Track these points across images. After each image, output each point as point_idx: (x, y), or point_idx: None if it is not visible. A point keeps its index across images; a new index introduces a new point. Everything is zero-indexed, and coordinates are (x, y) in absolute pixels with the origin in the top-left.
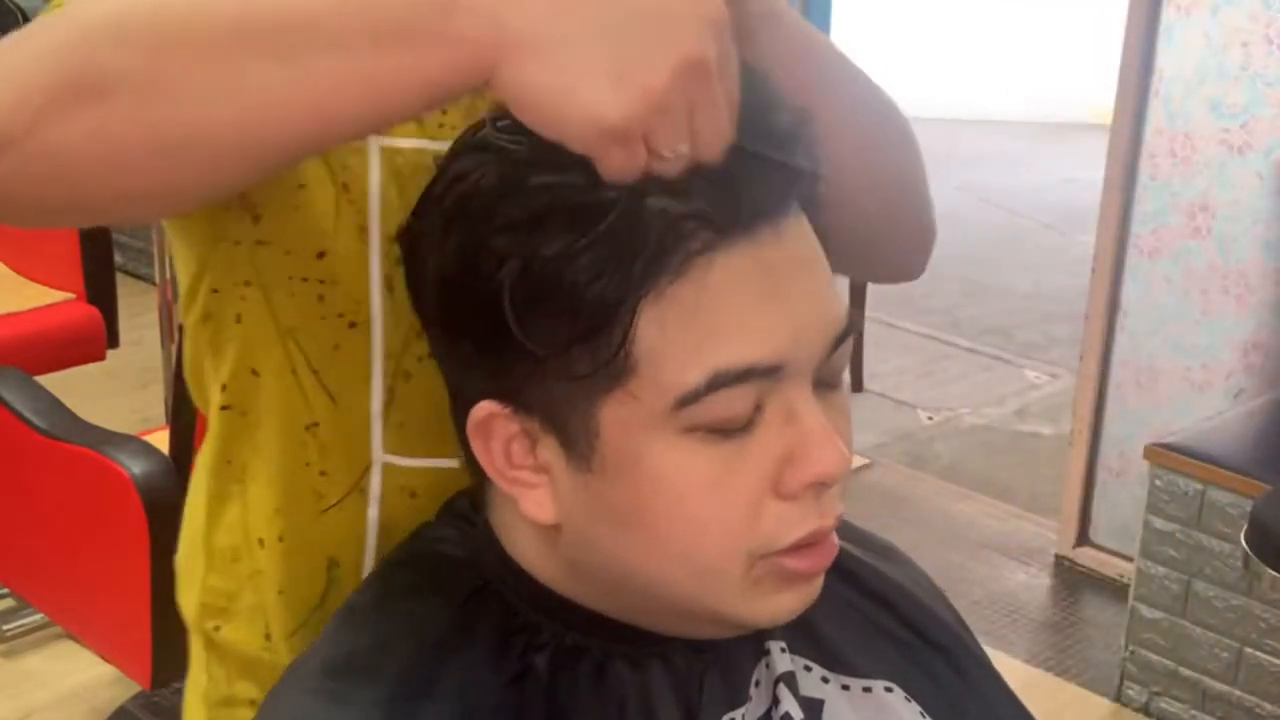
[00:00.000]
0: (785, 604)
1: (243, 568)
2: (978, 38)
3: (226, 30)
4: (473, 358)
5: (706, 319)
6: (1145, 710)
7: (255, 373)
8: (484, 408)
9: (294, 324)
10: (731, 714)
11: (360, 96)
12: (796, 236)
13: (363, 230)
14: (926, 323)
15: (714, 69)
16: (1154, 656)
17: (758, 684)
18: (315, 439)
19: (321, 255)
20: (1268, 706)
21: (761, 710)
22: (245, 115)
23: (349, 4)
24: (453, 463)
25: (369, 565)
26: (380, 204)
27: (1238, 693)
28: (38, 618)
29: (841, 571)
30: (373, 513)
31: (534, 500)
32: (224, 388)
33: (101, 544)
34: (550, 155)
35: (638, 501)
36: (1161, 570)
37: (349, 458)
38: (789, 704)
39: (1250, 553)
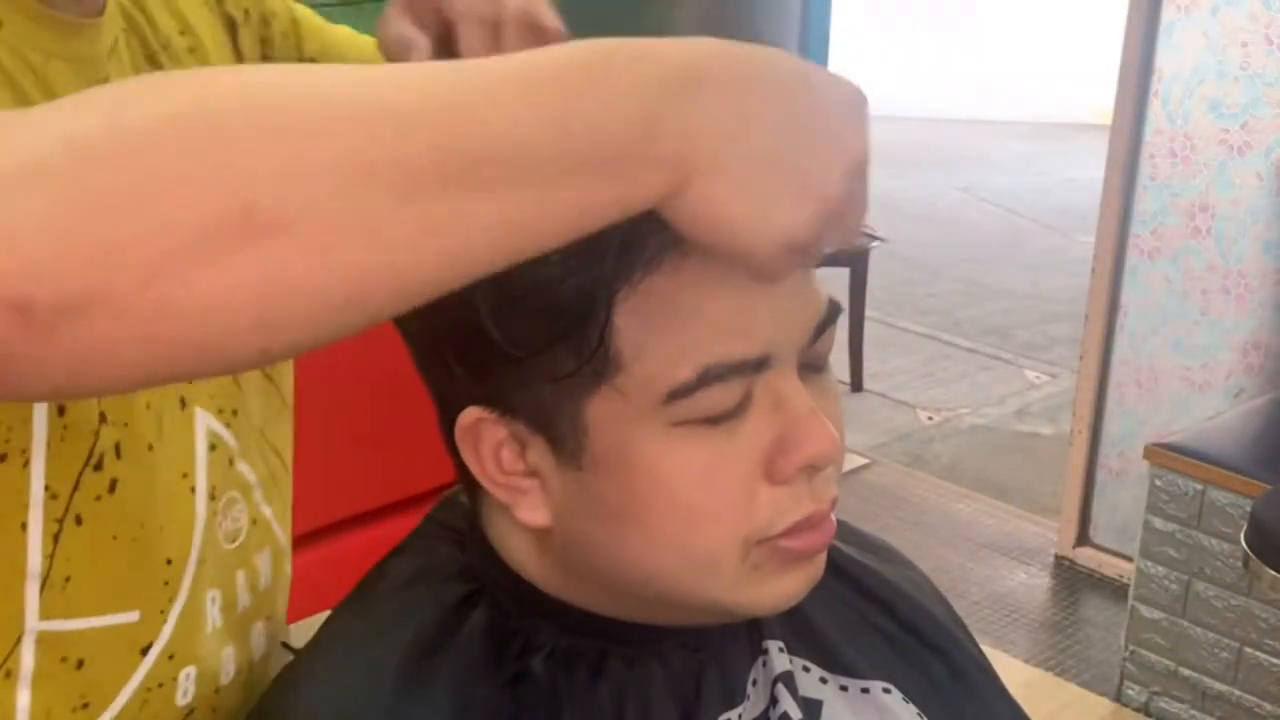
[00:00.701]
0: (787, 587)
1: None
2: (978, 38)
3: (428, 163)
4: (455, 366)
5: (687, 312)
6: (1145, 710)
7: None
8: (470, 413)
9: None
10: (728, 714)
11: (558, 226)
12: None
13: None
14: (926, 323)
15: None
16: (1154, 656)
17: (755, 683)
18: None
19: None
20: (1267, 706)
21: (759, 710)
22: (439, 257)
23: (555, 129)
24: (131, 616)
25: None
26: None
27: (1238, 693)
28: None
29: (839, 572)
30: (23, 698)
31: (527, 505)
32: None
33: None
34: None
35: (630, 495)
36: (1161, 570)
37: None
38: (787, 704)
39: (1250, 553)
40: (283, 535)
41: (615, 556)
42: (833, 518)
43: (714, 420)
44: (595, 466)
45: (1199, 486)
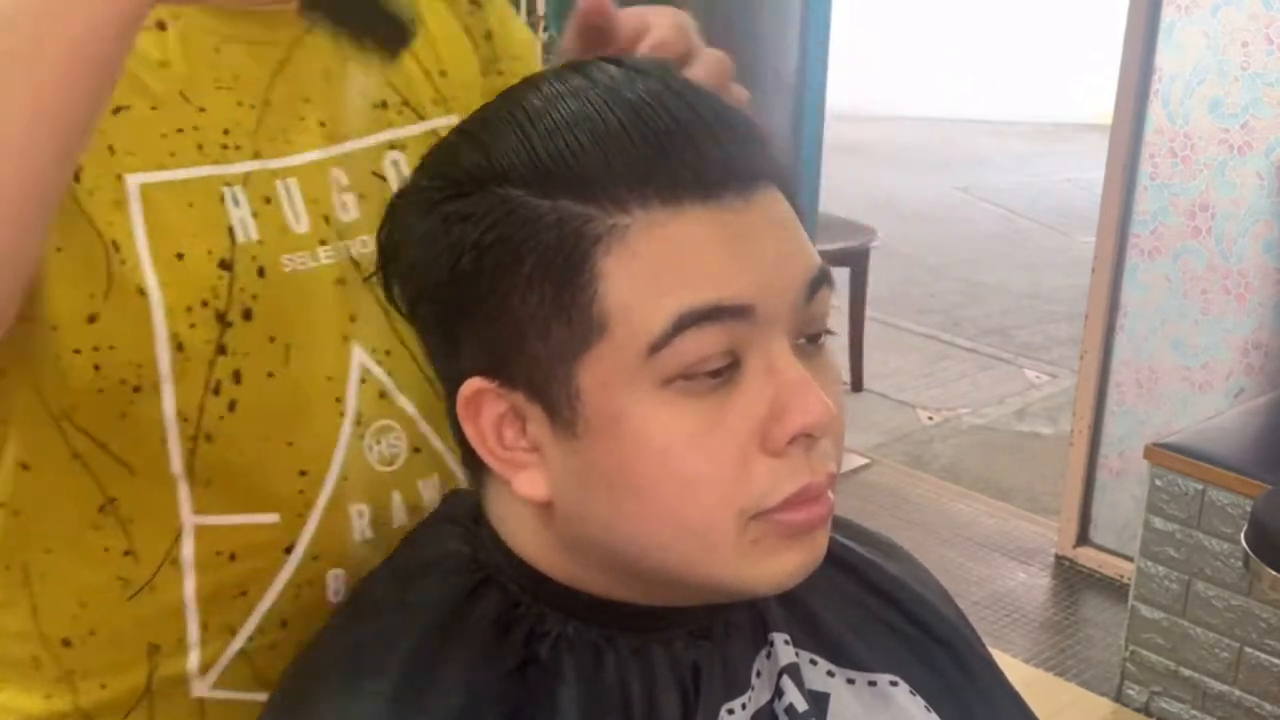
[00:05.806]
0: (787, 564)
1: (47, 673)
2: (978, 38)
3: None
4: (454, 340)
5: (671, 270)
6: (1145, 710)
7: (25, 467)
8: (471, 384)
9: (68, 404)
10: (731, 703)
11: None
12: (766, 204)
13: (141, 291)
14: (926, 323)
15: None
16: (1154, 656)
17: (759, 675)
18: (114, 517)
19: (93, 319)
20: (1268, 706)
21: (764, 701)
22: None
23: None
24: (271, 518)
25: (194, 646)
26: (151, 256)
27: (1238, 693)
28: None
29: (844, 566)
30: (189, 586)
31: (525, 479)
32: None
33: None
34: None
35: (624, 462)
36: (1161, 570)
37: (157, 525)
38: (793, 695)
39: (1250, 553)
40: (461, 469)
41: (612, 529)
42: (831, 495)
43: (702, 378)
44: (590, 434)
45: (1199, 486)
